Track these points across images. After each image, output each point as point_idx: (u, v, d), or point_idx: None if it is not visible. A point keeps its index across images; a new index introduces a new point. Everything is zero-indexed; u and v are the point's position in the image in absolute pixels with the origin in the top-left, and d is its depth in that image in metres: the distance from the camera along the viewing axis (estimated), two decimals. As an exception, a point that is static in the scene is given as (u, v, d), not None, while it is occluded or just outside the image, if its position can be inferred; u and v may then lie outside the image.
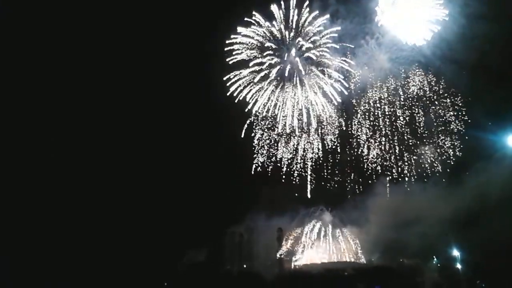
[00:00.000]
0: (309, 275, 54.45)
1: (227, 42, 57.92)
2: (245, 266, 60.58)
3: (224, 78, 58.47)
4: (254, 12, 58.48)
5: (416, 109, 60.41)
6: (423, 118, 59.86)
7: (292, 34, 58.93)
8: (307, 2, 57.86)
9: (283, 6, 58.05)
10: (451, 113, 58.37)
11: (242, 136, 60.46)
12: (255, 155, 61.68)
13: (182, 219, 58.86)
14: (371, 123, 61.52)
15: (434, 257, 53.97)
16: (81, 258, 50.94)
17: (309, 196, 61.98)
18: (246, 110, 59.79)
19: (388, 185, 60.15)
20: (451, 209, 53.50)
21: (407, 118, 60.40)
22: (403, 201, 58.10)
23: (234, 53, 58.37)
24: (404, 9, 55.86)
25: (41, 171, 53.65)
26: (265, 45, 58.86)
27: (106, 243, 54.00)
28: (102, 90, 59.02)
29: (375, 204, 60.35)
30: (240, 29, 58.17)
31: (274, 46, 59.16)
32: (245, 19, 58.84)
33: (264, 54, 58.91)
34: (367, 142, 61.52)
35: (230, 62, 58.47)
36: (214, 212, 60.31)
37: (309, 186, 61.85)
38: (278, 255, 58.97)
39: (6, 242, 46.25)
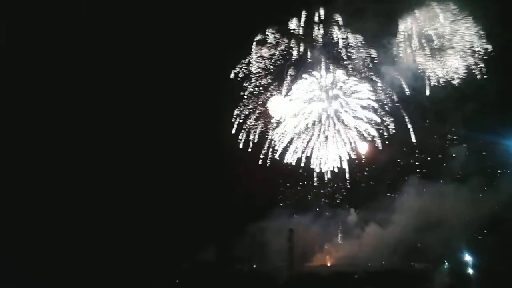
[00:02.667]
0: (320, 277, 56.70)
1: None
2: (255, 266, 62.56)
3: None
4: (270, 30, 60.77)
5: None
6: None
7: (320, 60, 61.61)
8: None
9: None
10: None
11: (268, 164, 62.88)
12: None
13: (194, 217, 60.80)
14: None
15: (445, 261, 56.00)
16: (90, 259, 52.75)
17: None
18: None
19: (418, 184, 62.28)
20: (476, 213, 55.54)
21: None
22: (430, 203, 59.52)
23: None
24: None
25: (39, 170, 55.05)
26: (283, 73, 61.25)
27: (117, 241, 55.92)
28: (106, 91, 60.31)
29: (401, 204, 61.98)
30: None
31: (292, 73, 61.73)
32: (258, 38, 61.16)
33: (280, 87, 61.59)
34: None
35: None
36: (229, 210, 62.42)
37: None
38: (288, 256, 60.33)
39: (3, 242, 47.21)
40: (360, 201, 65.57)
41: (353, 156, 62.47)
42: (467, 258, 53.76)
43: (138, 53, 59.57)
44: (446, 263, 55.84)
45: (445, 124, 61.59)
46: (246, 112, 62.64)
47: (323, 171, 63.21)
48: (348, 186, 64.30)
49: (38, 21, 53.75)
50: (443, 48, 59.46)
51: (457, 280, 52.92)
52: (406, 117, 61.30)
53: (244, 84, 61.76)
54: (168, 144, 61.70)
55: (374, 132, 61.98)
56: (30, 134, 54.61)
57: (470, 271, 53.13)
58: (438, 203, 58.36)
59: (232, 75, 60.88)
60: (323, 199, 65.55)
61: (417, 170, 62.81)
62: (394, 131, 61.76)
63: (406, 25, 60.68)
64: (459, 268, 53.99)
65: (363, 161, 63.37)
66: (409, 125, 61.10)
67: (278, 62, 61.73)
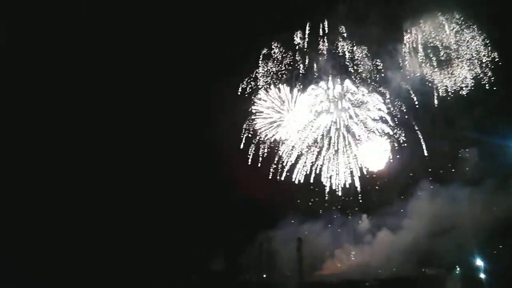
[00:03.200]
0: (329, 286, 56.42)
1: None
2: (264, 276, 62.78)
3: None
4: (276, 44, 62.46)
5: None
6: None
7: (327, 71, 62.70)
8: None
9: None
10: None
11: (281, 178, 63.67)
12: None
13: (203, 227, 61.30)
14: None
15: (457, 266, 54.81)
16: (90, 259, 53.26)
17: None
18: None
19: (431, 188, 61.88)
20: (490, 217, 54.25)
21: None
22: (442, 207, 58.85)
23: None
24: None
25: (39, 170, 55.87)
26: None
27: (117, 242, 56.38)
28: (110, 93, 61.07)
29: (413, 210, 61.80)
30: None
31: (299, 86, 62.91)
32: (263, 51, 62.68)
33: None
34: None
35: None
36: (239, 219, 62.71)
37: None
38: (298, 265, 60.32)
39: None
40: (371, 208, 65.22)
41: (364, 170, 62.83)
42: (479, 263, 52.47)
43: (146, 61, 60.58)
44: (458, 269, 54.62)
45: (456, 128, 60.71)
46: (255, 127, 64.08)
47: (333, 187, 63.69)
48: (360, 200, 64.62)
49: (38, 21, 54.80)
50: (449, 57, 60.22)
51: (469, 286, 51.51)
52: (415, 125, 62.30)
53: (252, 97, 63.62)
54: (176, 155, 62.83)
55: (384, 143, 62.85)
56: (30, 133, 55.66)
57: (483, 276, 51.78)
58: (450, 208, 57.49)
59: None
60: (334, 208, 65.12)
61: (430, 175, 62.31)
62: (404, 139, 62.51)
63: (411, 35, 61.91)
64: (471, 273, 52.76)
65: (374, 175, 63.51)
66: (420, 134, 62.02)
67: (285, 76, 63.25)
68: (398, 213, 62.65)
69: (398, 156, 62.78)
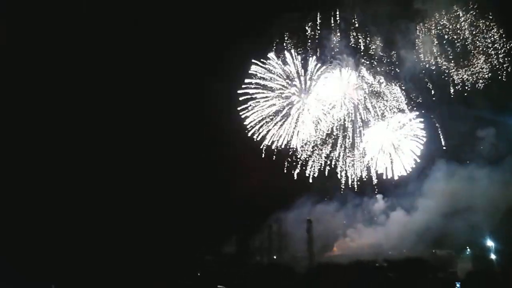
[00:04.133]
0: (340, 267, 56.76)
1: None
2: (275, 257, 64.11)
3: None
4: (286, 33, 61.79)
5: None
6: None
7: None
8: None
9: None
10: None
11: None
12: None
13: (215, 210, 62.02)
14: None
15: (467, 247, 54.07)
16: (90, 259, 53.42)
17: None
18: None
19: (447, 169, 60.85)
20: (507, 197, 53.64)
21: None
22: (459, 187, 58.33)
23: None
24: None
25: (39, 170, 56.15)
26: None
27: (117, 242, 56.99)
28: (111, 93, 61.13)
29: (429, 190, 61.14)
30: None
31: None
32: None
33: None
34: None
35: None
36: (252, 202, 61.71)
37: None
38: (308, 247, 61.29)
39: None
40: (387, 189, 64.71)
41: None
42: (490, 243, 51.67)
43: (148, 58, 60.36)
44: (468, 249, 53.90)
45: (473, 108, 59.23)
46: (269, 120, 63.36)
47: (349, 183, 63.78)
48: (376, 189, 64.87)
49: (38, 21, 54.97)
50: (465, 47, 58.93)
51: (479, 266, 50.69)
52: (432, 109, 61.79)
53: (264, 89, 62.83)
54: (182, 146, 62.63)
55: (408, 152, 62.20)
56: (30, 133, 55.98)
57: (493, 256, 50.91)
58: (466, 188, 56.99)
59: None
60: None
61: (447, 155, 61.28)
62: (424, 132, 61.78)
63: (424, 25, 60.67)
64: (482, 254, 52.19)
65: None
66: (437, 122, 61.67)
67: (297, 67, 62.32)
68: (413, 193, 62.08)
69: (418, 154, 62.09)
